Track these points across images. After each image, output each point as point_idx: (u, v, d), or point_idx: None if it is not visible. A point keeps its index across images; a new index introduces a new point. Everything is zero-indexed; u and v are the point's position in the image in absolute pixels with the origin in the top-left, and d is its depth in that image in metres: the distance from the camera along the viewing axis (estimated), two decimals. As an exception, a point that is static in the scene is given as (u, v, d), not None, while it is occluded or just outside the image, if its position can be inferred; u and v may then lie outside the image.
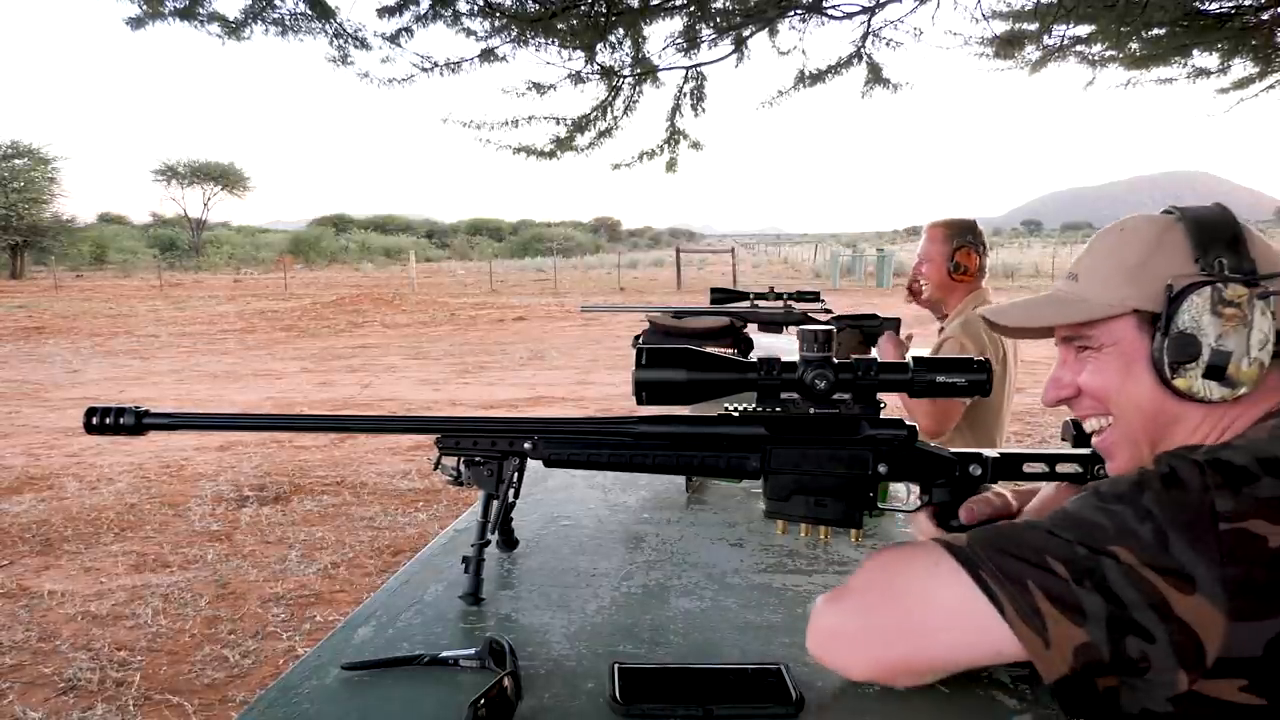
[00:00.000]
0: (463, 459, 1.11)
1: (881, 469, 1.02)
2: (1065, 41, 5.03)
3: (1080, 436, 1.00)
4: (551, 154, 5.19)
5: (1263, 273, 0.82)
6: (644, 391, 0.99)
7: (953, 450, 1.05)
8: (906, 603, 0.82)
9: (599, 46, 4.63)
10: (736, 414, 1.04)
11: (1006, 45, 4.93)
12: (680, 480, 1.76)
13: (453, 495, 5.10)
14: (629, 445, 1.05)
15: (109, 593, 3.81)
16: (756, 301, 2.62)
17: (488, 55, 4.50)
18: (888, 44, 4.77)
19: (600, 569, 1.31)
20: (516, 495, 1.27)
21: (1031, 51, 5.12)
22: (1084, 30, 4.93)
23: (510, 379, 9.82)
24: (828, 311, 2.61)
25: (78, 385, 9.73)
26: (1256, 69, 5.52)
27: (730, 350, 2.42)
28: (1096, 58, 5.22)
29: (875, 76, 4.92)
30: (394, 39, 4.33)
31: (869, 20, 4.69)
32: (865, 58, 4.84)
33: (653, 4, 4.44)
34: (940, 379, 0.98)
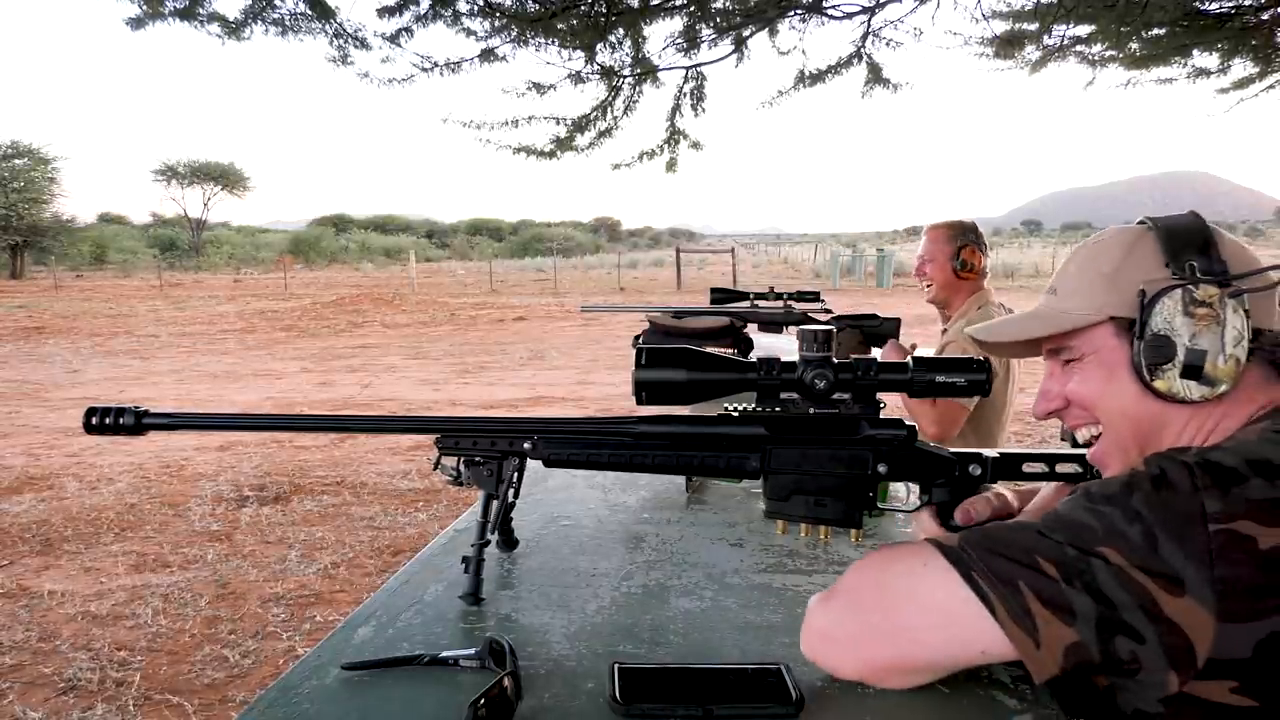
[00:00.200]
0: (463, 459, 1.11)
1: (881, 469, 1.02)
2: (1065, 41, 5.03)
3: (1080, 437, 1.00)
4: (551, 154, 5.19)
5: (1234, 273, 0.83)
6: (644, 391, 0.99)
7: (952, 450, 1.05)
8: (897, 603, 0.82)
9: (599, 46, 4.63)
10: (736, 414, 1.04)
11: (1006, 45, 4.93)
12: (680, 480, 1.76)
13: (453, 495, 5.10)
14: (629, 445, 1.05)
15: (109, 593, 3.81)
16: (756, 301, 2.62)
17: (488, 55, 4.50)
18: (888, 44, 4.78)
19: (600, 569, 1.31)
20: (516, 495, 1.27)
21: (1031, 51, 5.12)
22: (1084, 30, 4.93)
23: (510, 379, 9.82)
24: (828, 311, 2.61)
25: (78, 385, 9.73)
26: (1256, 69, 5.52)
27: (730, 350, 2.42)
28: (1096, 58, 5.23)
29: (875, 76, 4.92)
30: (394, 39, 4.33)
31: (869, 20, 4.69)
32: (865, 58, 4.85)
33: (653, 4, 4.44)
34: (940, 379, 0.98)
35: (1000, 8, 4.90)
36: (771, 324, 2.60)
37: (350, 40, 4.25)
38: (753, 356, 1.04)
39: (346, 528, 4.66)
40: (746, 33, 4.66)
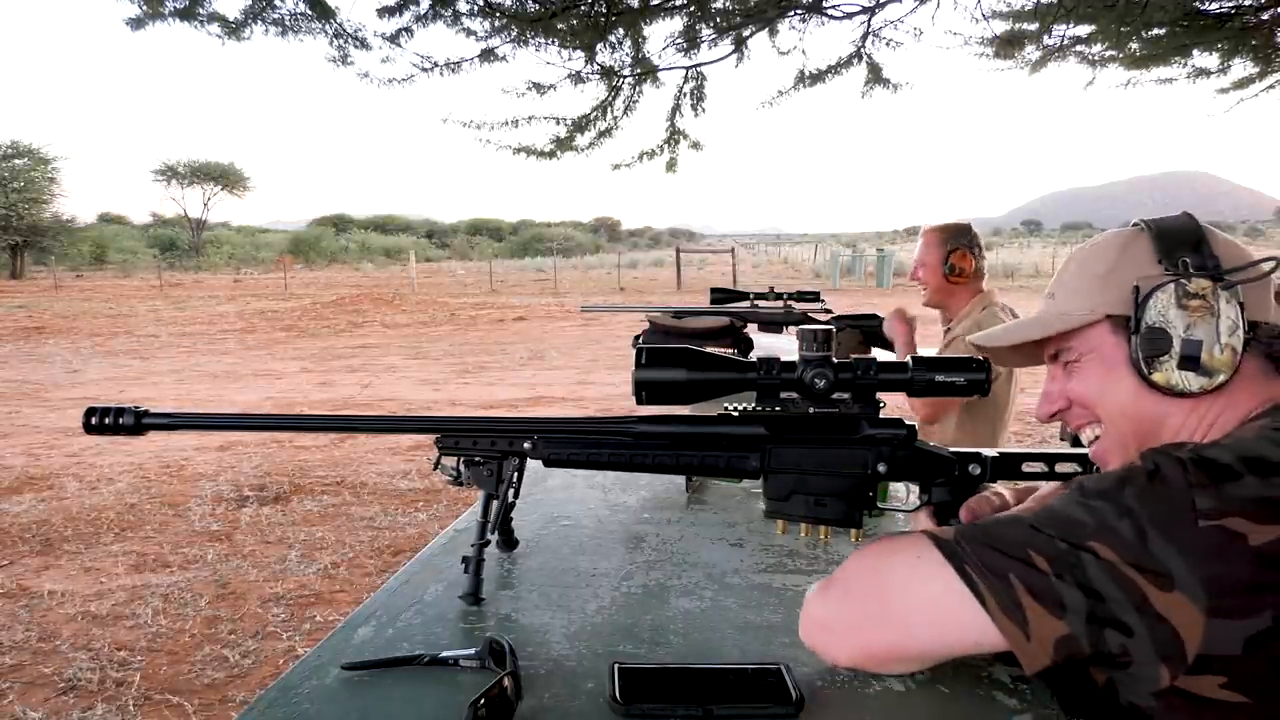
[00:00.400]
0: (463, 459, 1.11)
1: (881, 468, 1.02)
2: (1065, 41, 5.03)
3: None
4: (551, 154, 5.19)
5: (1226, 267, 0.85)
6: (644, 391, 0.99)
7: (952, 450, 1.05)
8: (891, 593, 0.83)
9: (599, 46, 4.63)
10: (736, 414, 1.04)
11: (1006, 45, 4.93)
12: (680, 480, 1.76)
13: (453, 495, 5.10)
14: (629, 445, 1.05)
15: (109, 593, 3.81)
16: (756, 301, 2.62)
17: (488, 55, 4.50)
18: (888, 44, 4.78)
19: (600, 569, 1.31)
20: (516, 495, 1.27)
21: (1031, 51, 5.12)
22: (1084, 30, 4.93)
23: (510, 379, 9.83)
24: (828, 311, 2.61)
25: (78, 385, 9.73)
26: (1256, 69, 5.52)
27: (730, 350, 2.42)
28: (1096, 58, 5.23)
29: (875, 76, 4.92)
30: (394, 39, 4.33)
31: (869, 20, 4.69)
32: (865, 58, 4.85)
33: (653, 4, 4.44)
34: (939, 378, 0.98)
35: (1000, 8, 4.91)
36: (771, 324, 2.60)
37: (350, 40, 4.25)
38: (753, 356, 1.04)
39: (346, 528, 4.66)
40: (746, 33, 4.66)
